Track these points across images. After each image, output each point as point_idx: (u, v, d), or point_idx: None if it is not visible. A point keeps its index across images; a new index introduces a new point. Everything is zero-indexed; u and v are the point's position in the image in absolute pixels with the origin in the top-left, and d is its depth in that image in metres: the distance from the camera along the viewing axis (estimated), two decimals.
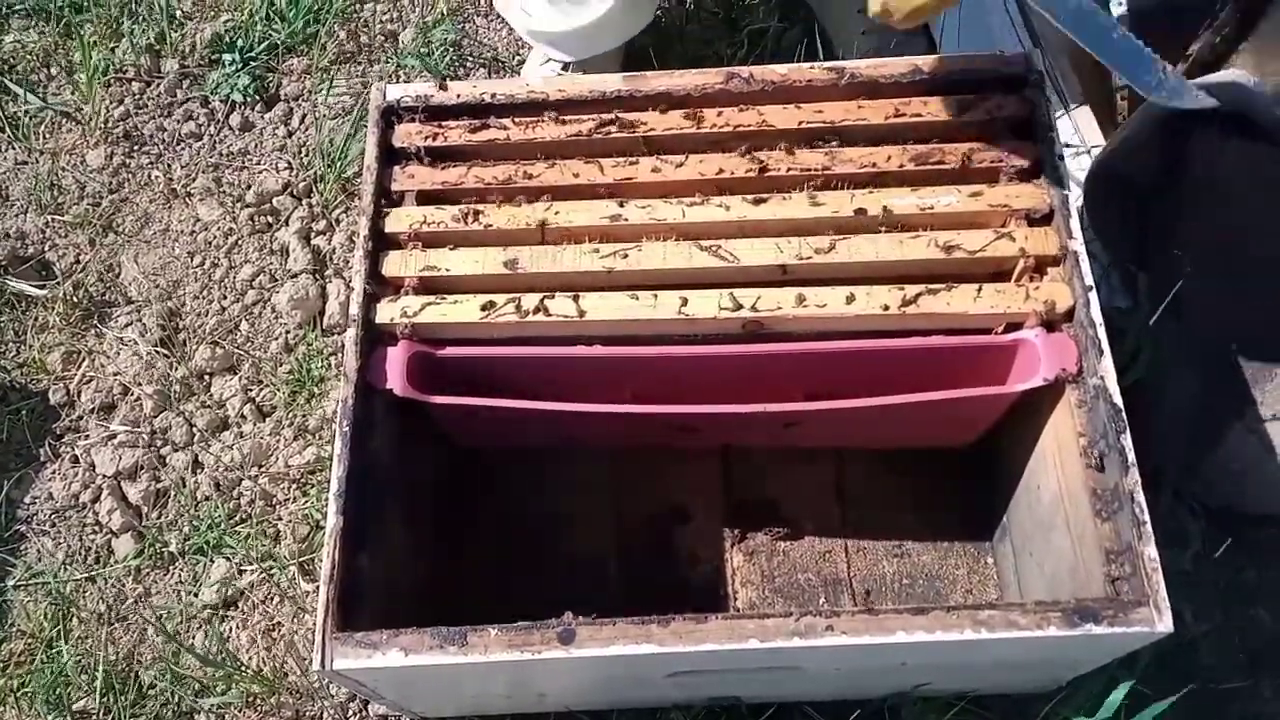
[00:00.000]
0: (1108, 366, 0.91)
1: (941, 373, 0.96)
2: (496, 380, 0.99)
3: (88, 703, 1.24)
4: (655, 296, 0.96)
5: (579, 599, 0.89)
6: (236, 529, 1.33)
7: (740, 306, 0.95)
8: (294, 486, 1.35)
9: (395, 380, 0.96)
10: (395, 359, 0.96)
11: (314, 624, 0.87)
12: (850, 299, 0.95)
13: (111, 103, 1.62)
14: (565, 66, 1.52)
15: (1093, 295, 0.93)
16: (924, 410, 0.97)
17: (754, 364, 0.97)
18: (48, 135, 1.62)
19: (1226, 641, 1.19)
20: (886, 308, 0.94)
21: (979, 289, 0.95)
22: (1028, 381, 0.94)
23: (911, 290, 0.95)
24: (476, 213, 1.01)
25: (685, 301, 0.96)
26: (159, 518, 1.35)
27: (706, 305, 0.96)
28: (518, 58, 1.64)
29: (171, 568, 1.32)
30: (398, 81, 1.61)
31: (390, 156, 1.05)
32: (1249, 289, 1.12)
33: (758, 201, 0.99)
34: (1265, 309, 1.14)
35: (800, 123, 1.01)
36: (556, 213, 1.00)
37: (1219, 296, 1.12)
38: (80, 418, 1.42)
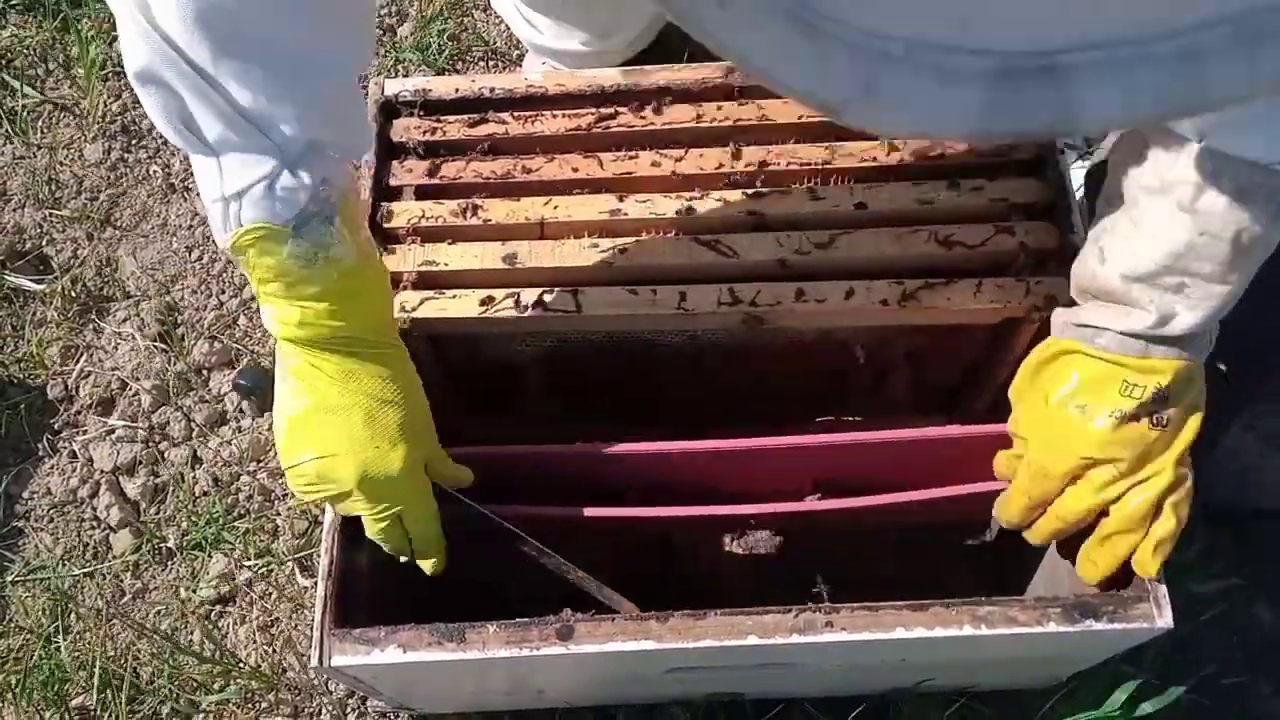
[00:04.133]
0: None
1: (958, 462, 0.94)
2: (492, 480, 0.94)
3: (85, 699, 1.24)
4: (654, 291, 0.96)
5: (578, 596, 0.89)
6: (234, 524, 1.32)
7: (739, 301, 0.95)
8: None
9: None
10: None
11: (312, 620, 0.86)
12: (850, 293, 0.95)
13: (109, 97, 1.62)
14: None
15: None
16: (939, 500, 0.95)
17: (762, 457, 0.94)
18: (45, 130, 1.62)
19: (1226, 638, 1.19)
20: (886, 302, 0.94)
21: (979, 284, 0.94)
22: None
23: (911, 285, 0.95)
24: (475, 207, 1.01)
25: (684, 296, 0.95)
26: (157, 513, 1.35)
27: (706, 299, 0.95)
28: (517, 50, 1.64)
29: (169, 563, 1.32)
30: (396, 75, 1.61)
31: (389, 151, 1.05)
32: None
33: (757, 196, 0.99)
34: (1263, 305, 1.14)
35: (800, 116, 1.01)
36: (556, 207, 1.00)
37: None
38: (78, 413, 1.42)
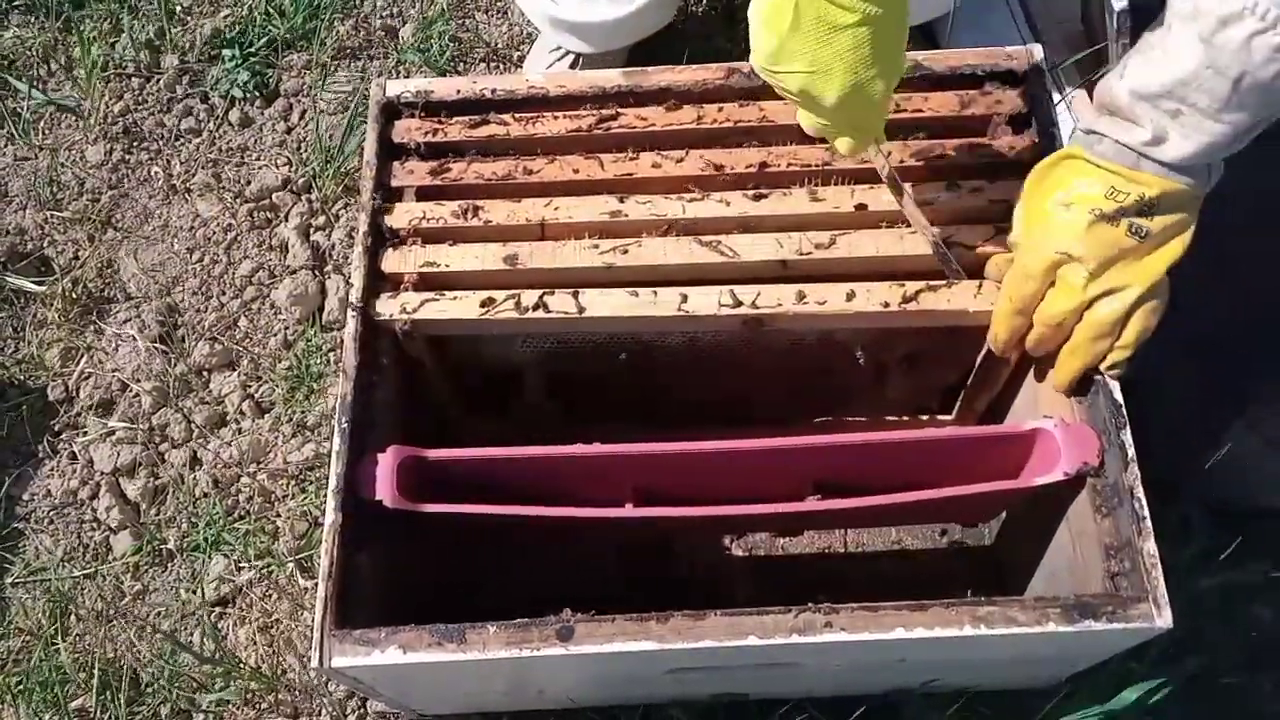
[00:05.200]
0: None
1: (956, 463, 0.94)
2: (492, 482, 0.94)
3: (85, 701, 1.24)
4: (655, 293, 0.96)
5: (578, 597, 0.89)
6: (235, 526, 1.32)
7: (740, 303, 0.95)
8: (292, 483, 1.35)
9: (384, 490, 0.89)
10: (384, 468, 0.90)
11: (312, 621, 0.86)
12: (850, 295, 0.95)
13: (111, 98, 1.62)
14: (574, 62, 1.51)
15: None
16: (937, 501, 0.95)
17: (761, 458, 0.94)
18: (47, 131, 1.62)
19: (1226, 637, 1.19)
20: (887, 304, 0.94)
21: (979, 285, 0.95)
22: (1047, 475, 0.90)
23: (912, 287, 0.95)
24: (476, 208, 1.01)
25: (685, 298, 0.96)
26: (157, 514, 1.35)
27: (706, 301, 0.95)
28: (518, 53, 1.64)
29: (170, 565, 1.32)
30: (397, 76, 1.61)
31: (390, 152, 1.05)
32: (1245, 283, 1.12)
33: (758, 197, 0.99)
34: (1262, 304, 1.14)
35: None
36: (556, 208, 1.00)
37: (1216, 291, 1.11)
38: (79, 414, 1.42)
